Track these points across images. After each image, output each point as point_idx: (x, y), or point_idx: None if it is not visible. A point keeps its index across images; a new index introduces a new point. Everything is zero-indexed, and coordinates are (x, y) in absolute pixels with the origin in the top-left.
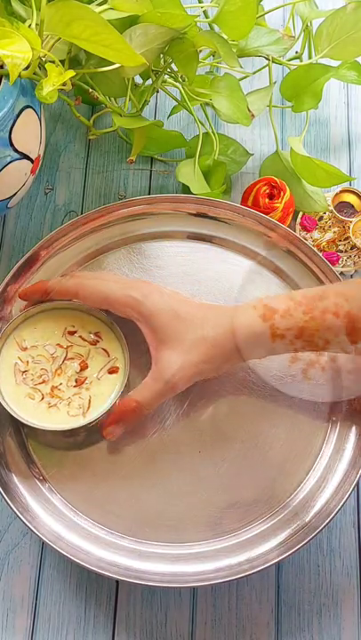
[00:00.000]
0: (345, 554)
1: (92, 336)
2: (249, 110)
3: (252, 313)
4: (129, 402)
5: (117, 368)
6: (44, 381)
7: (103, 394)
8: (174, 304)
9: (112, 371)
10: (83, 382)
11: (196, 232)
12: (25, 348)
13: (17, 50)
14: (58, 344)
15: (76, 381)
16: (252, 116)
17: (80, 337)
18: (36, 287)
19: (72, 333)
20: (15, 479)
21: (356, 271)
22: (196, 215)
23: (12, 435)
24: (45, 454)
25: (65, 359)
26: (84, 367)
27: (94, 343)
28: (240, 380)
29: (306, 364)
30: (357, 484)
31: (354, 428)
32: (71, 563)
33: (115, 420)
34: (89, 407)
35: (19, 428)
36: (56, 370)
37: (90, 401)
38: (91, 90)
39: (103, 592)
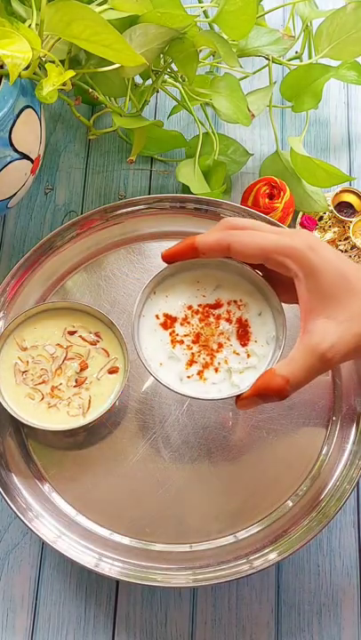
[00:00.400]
0: (345, 554)
1: (92, 336)
2: (249, 110)
3: None
4: (273, 378)
5: (117, 368)
6: (43, 381)
7: (103, 394)
8: (343, 263)
9: (112, 371)
10: (83, 382)
11: (196, 232)
12: (25, 348)
13: (17, 50)
14: (58, 344)
15: (75, 381)
16: (253, 115)
17: (80, 337)
18: (183, 246)
19: (72, 333)
20: (15, 479)
21: None
22: (196, 215)
23: (11, 435)
24: (45, 454)
25: (65, 359)
26: (84, 367)
27: (94, 343)
28: None
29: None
30: (357, 484)
31: (354, 429)
32: (71, 563)
33: (254, 394)
34: (89, 407)
35: (19, 427)
36: (56, 370)
37: (90, 401)
38: (91, 90)
39: (103, 592)
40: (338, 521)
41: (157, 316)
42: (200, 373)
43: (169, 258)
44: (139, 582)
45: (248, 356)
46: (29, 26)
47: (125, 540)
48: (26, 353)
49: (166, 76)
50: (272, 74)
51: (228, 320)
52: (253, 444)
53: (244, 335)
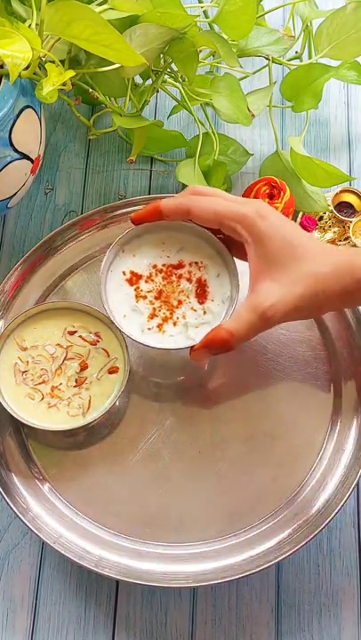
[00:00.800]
0: (345, 554)
1: (92, 336)
2: (249, 110)
3: None
4: (219, 331)
5: (117, 368)
6: (43, 381)
7: (103, 394)
8: (289, 231)
9: (112, 371)
10: (83, 382)
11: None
12: (25, 348)
13: (17, 50)
14: (58, 344)
15: (75, 381)
16: (253, 115)
17: (80, 337)
18: (149, 209)
19: (72, 333)
20: (15, 479)
21: None
22: None
23: (11, 435)
24: (45, 454)
25: (65, 359)
26: (84, 367)
27: (94, 343)
28: (240, 380)
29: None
30: (357, 484)
31: (354, 428)
32: (71, 563)
33: (204, 346)
34: (89, 407)
35: (19, 427)
36: (56, 370)
37: (90, 401)
38: (91, 90)
39: (103, 592)
40: (338, 521)
41: (124, 273)
42: (160, 326)
43: (137, 220)
44: (139, 582)
45: (204, 312)
46: (29, 26)
47: (125, 541)
48: (26, 353)
49: (166, 76)
50: (272, 74)
51: (189, 280)
52: (253, 444)
53: (202, 294)
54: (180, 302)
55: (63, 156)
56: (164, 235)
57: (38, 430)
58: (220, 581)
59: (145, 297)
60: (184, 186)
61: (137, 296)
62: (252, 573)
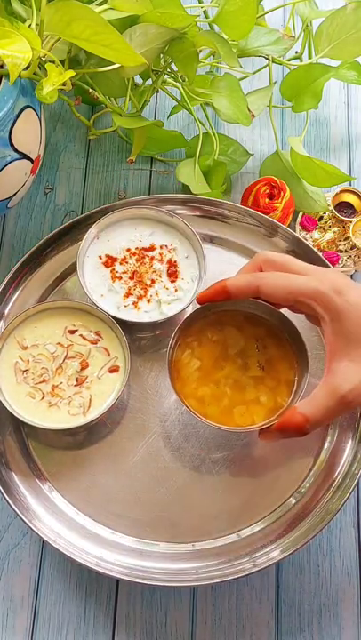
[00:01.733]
0: (345, 554)
1: (92, 335)
2: (249, 110)
3: None
4: (294, 414)
5: (118, 367)
6: (44, 380)
7: (104, 393)
8: None
9: (113, 370)
10: (83, 381)
11: (196, 232)
12: (25, 347)
13: (17, 50)
14: (58, 343)
15: (76, 380)
16: (253, 115)
17: (81, 336)
18: (216, 289)
19: (73, 332)
20: (15, 478)
21: (356, 271)
22: (196, 215)
23: (12, 434)
24: (46, 453)
25: (65, 358)
26: (84, 366)
27: (95, 342)
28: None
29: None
30: (357, 484)
31: (354, 426)
32: (71, 562)
33: (277, 429)
34: (89, 406)
35: (19, 426)
36: (57, 369)
37: (90, 400)
38: (91, 90)
39: (103, 592)
40: (338, 521)
41: (100, 257)
42: (135, 304)
43: (203, 300)
44: (139, 581)
45: (175, 290)
46: (29, 26)
47: (126, 540)
48: (26, 352)
49: (166, 76)
50: (272, 74)
51: (160, 261)
52: (254, 442)
53: (173, 273)
54: (152, 281)
55: (63, 155)
56: (136, 221)
57: (39, 429)
58: (220, 581)
59: (120, 277)
60: (184, 186)
61: (113, 277)
62: (252, 573)
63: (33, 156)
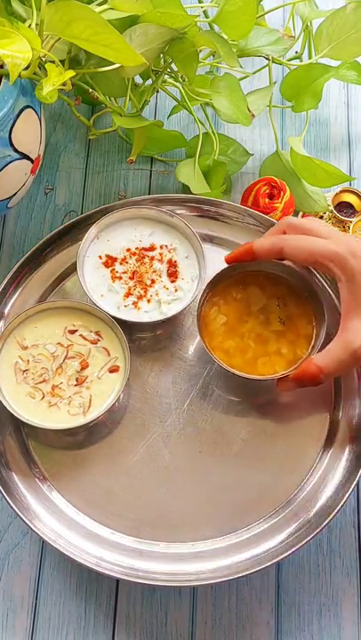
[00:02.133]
0: (345, 554)
1: (92, 335)
2: (249, 110)
3: None
4: (310, 365)
5: (118, 367)
6: (44, 380)
7: (104, 393)
8: None
9: (113, 370)
10: (83, 381)
11: (196, 232)
12: (25, 347)
13: (17, 50)
14: (58, 343)
15: (76, 380)
16: (253, 115)
17: (81, 336)
18: (243, 250)
19: (73, 332)
20: (15, 478)
21: None
22: (196, 215)
23: (12, 434)
24: (46, 453)
25: (65, 358)
26: (84, 366)
27: (95, 342)
28: (240, 379)
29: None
30: (357, 484)
31: (354, 426)
32: (71, 562)
33: (293, 379)
34: (89, 406)
35: (19, 426)
36: (57, 369)
37: (90, 400)
38: (91, 90)
39: (103, 592)
40: (338, 521)
41: (100, 257)
42: (135, 304)
43: (231, 260)
44: (139, 581)
45: (175, 290)
46: (29, 26)
47: (126, 540)
48: (26, 352)
49: (166, 76)
50: (272, 74)
51: (160, 261)
52: (254, 443)
53: (173, 273)
54: (152, 281)
55: (63, 155)
56: (136, 221)
57: (39, 429)
58: (220, 580)
59: (120, 277)
60: (184, 186)
61: (113, 277)
62: (252, 573)
63: (33, 156)
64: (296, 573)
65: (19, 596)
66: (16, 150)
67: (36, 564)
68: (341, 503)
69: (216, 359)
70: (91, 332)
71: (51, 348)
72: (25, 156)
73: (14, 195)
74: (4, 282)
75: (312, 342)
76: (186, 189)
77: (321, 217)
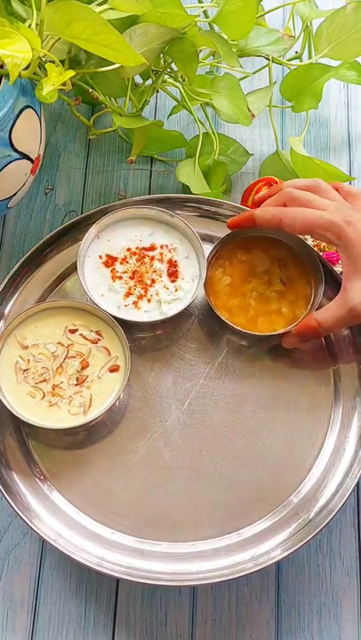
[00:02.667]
0: (345, 554)
1: (93, 334)
2: (249, 110)
3: None
4: (310, 320)
5: (118, 366)
6: (44, 380)
7: (104, 392)
8: None
9: (113, 369)
10: (84, 381)
11: (196, 232)
12: (26, 347)
13: (17, 50)
14: (59, 342)
15: (77, 380)
16: (253, 116)
17: (81, 335)
18: (245, 216)
19: (73, 332)
20: (16, 477)
21: None
22: (196, 215)
23: (12, 433)
24: (46, 453)
25: (66, 357)
26: (85, 366)
27: (95, 342)
28: (240, 378)
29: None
30: (357, 485)
31: (354, 426)
32: (71, 561)
33: (295, 333)
34: (90, 406)
35: (19, 426)
36: (57, 368)
37: (91, 399)
38: (91, 90)
39: (103, 592)
40: (338, 521)
41: (100, 257)
42: (135, 303)
43: (233, 225)
44: (140, 581)
45: (176, 290)
46: (29, 26)
47: (127, 540)
48: (27, 351)
49: (166, 76)
50: (272, 74)
51: (161, 260)
52: (254, 442)
53: (173, 273)
54: (153, 281)
55: (63, 155)
56: (136, 221)
57: (39, 429)
58: (219, 580)
59: (120, 277)
60: (184, 186)
61: (113, 277)
62: (252, 573)
63: (33, 156)
64: (296, 573)
65: (19, 596)
66: (16, 150)
67: (36, 564)
68: (342, 503)
69: (222, 317)
70: (91, 331)
71: (51, 347)
72: (25, 156)
73: (14, 195)
74: (4, 282)
75: (310, 302)
76: (186, 189)
77: None
